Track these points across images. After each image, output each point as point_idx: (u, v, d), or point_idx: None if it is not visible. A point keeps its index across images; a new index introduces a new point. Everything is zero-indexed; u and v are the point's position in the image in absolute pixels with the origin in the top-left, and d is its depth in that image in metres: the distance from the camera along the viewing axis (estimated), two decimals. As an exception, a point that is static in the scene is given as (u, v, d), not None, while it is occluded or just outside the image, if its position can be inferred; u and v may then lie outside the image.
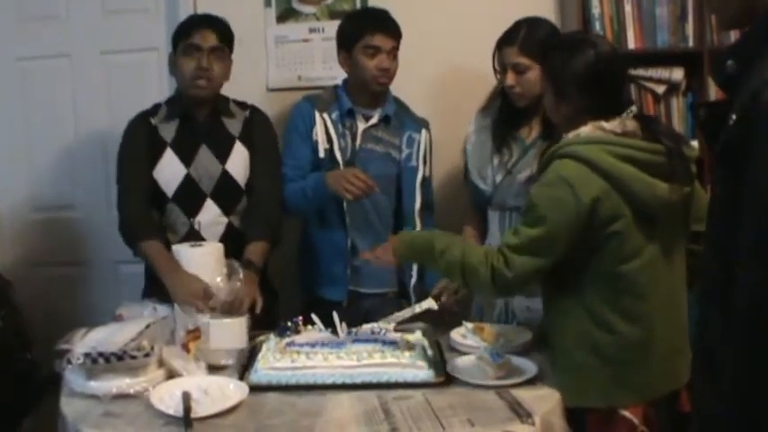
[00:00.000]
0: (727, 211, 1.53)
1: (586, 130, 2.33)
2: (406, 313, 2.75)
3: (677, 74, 3.35)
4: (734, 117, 1.48)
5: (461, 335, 2.71)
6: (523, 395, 2.28)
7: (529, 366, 2.45)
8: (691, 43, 3.34)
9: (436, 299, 2.81)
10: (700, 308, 1.73)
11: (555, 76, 2.39)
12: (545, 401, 2.26)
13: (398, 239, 2.60)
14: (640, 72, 3.35)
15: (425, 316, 2.78)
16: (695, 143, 3.03)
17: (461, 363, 2.50)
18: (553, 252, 2.30)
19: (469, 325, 2.73)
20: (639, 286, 2.32)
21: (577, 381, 2.34)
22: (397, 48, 3.11)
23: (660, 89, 3.37)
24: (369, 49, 3.07)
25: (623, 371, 2.32)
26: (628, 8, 3.36)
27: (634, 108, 2.42)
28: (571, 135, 2.35)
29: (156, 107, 3.10)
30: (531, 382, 2.37)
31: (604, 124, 2.32)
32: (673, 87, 3.37)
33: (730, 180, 1.51)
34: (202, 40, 2.96)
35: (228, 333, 2.61)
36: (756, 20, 1.55)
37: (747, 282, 1.48)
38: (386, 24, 3.10)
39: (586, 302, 2.33)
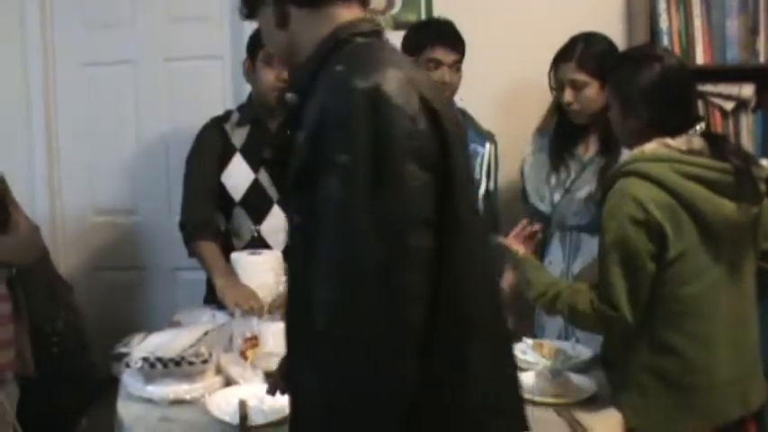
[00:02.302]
0: (310, 236, 1.52)
1: (651, 146, 2.29)
2: None
3: (747, 90, 3.27)
4: (302, 136, 1.51)
5: (521, 351, 2.67)
6: (582, 413, 2.24)
7: (588, 385, 2.41)
8: (762, 59, 3.27)
9: None
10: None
11: (621, 90, 2.36)
12: (604, 421, 2.23)
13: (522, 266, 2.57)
14: (708, 88, 3.28)
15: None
16: (765, 162, 2.96)
17: (520, 379, 2.47)
18: (643, 268, 2.22)
19: (529, 341, 2.70)
20: (703, 308, 2.27)
21: (640, 403, 2.29)
22: (459, 61, 3.06)
23: (729, 105, 3.29)
24: (430, 62, 3.03)
25: (687, 394, 2.27)
26: (697, 22, 3.29)
27: (702, 125, 2.37)
28: (636, 152, 2.31)
29: (228, 113, 3.13)
30: (590, 400, 2.33)
31: (670, 141, 2.28)
32: (742, 104, 3.29)
33: (309, 204, 1.51)
34: None
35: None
36: (306, 57, 1.65)
37: (324, 301, 1.46)
38: (448, 37, 3.06)
39: (648, 324, 2.27)
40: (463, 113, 3.21)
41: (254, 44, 3.00)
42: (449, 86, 3.05)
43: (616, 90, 2.39)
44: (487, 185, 3.17)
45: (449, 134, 1.50)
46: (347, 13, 1.64)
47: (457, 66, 3.06)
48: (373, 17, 1.71)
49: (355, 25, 1.63)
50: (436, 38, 3.05)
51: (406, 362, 1.44)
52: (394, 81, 1.48)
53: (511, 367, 1.74)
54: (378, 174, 1.42)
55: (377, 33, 1.67)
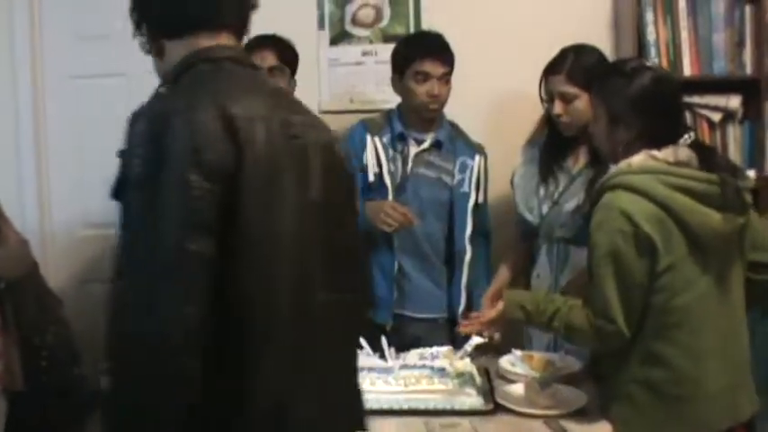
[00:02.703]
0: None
1: (638, 159, 2.29)
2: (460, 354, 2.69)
3: (734, 101, 3.28)
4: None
5: (510, 363, 2.69)
6: (572, 425, 2.26)
7: (578, 396, 2.42)
8: (748, 70, 3.28)
9: (479, 334, 2.77)
10: None
11: (611, 100, 2.35)
12: (594, 432, 2.22)
13: (507, 299, 2.52)
14: (696, 99, 3.29)
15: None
16: (751, 173, 2.98)
17: (510, 391, 2.48)
18: (635, 280, 2.23)
19: (518, 353, 2.71)
20: (693, 320, 2.27)
21: (629, 414, 2.30)
22: (448, 73, 3.07)
23: (716, 117, 3.30)
24: (419, 74, 3.05)
25: (677, 405, 2.27)
26: (684, 34, 3.30)
27: (691, 135, 2.38)
28: (622, 165, 2.31)
29: None
30: (579, 412, 2.35)
31: (656, 153, 2.28)
32: (729, 115, 3.30)
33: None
34: (261, 60, 2.99)
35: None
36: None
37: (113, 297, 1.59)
38: (437, 50, 3.08)
39: (638, 335, 2.27)
40: (453, 125, 3.22)
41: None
42: (437, 99, 3.06)
43: (605, 100, 2.38)
44: (476, 198, 3.17)
45: (246, 151, 1.57)
46: (207, 42, 1.75)
47: (446, 78, 3.07)
48: (236, 45, 1.81)
49: (207, 51, 1.74)
50: (425, 50, 3.06)
51: (181, 359, 1.49)
52: (196, 103, 1.58)
53: (334, 383, 1.76)
54: (161, 184, 1.52)
55: (232, 59, 1.75)
